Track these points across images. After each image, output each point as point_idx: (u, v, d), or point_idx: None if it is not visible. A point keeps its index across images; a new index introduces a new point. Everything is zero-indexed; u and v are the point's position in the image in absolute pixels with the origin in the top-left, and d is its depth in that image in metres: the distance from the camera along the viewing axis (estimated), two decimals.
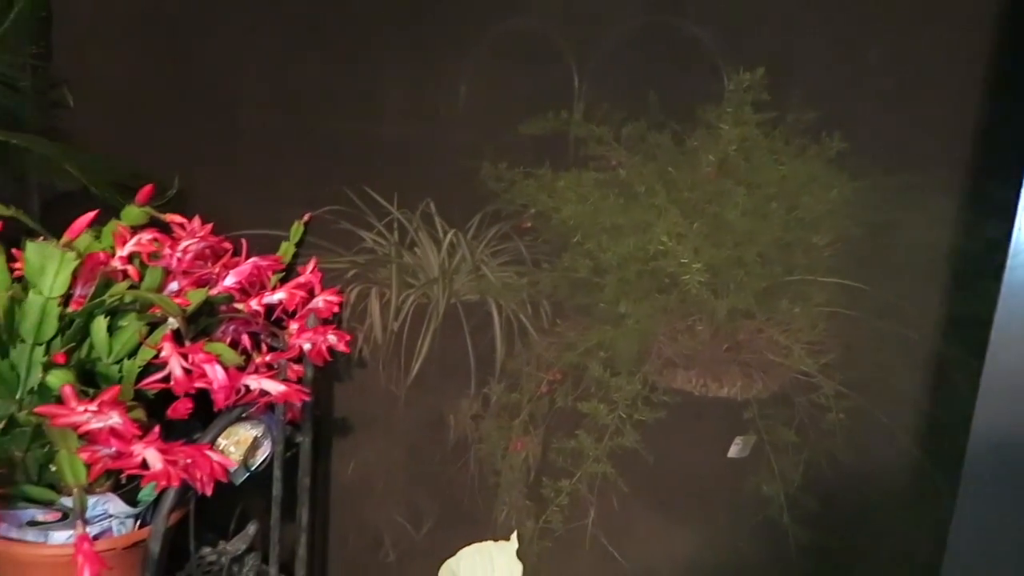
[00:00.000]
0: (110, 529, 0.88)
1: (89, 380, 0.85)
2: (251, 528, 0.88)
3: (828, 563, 0.90)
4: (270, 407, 0.92)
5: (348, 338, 0.90)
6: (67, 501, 0.84)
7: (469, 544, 0.93)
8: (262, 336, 0.96)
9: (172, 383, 0.78)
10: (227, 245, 0.97)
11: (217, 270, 0.92)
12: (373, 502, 1.11)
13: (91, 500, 0.86)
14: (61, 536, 0.85)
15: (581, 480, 0.97)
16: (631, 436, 0.95)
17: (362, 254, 1.06)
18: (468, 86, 0.99)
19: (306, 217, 1.01)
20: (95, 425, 0.74)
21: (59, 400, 0.78)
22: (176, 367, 0.79)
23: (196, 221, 0.94)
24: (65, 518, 0.84)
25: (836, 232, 0.87)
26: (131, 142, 1.29)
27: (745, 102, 0.88)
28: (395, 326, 1.06)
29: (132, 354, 0.85)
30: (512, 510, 1.04)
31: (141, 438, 0.77)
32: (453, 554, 0.94)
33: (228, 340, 0.92)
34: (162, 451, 0.77)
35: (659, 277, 0.94)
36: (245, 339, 0.94)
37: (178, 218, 0.89)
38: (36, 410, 0.74)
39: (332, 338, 0.88)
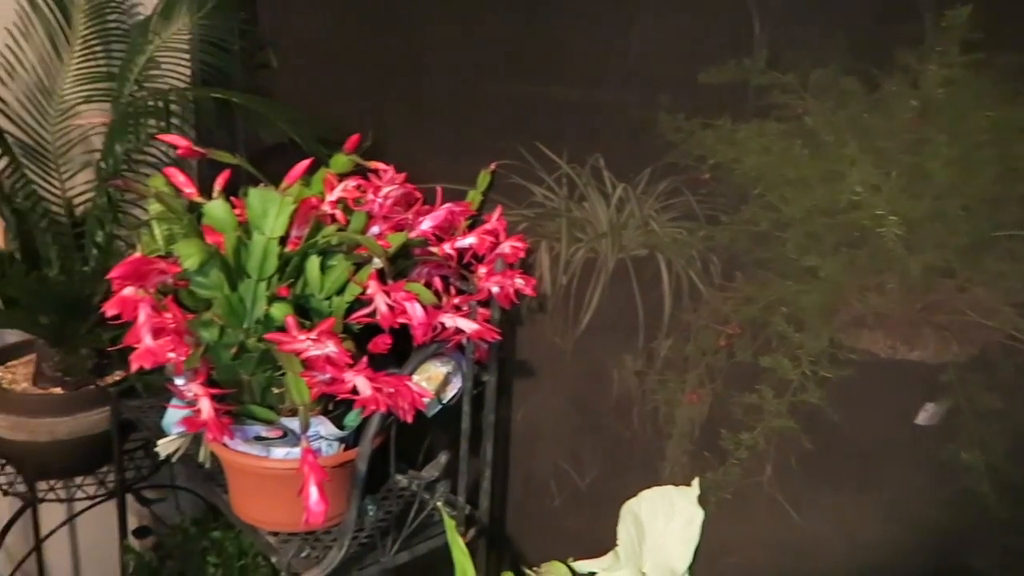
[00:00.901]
0: (320, 449, 0.98)
1: (303, 314, 0.94)
2: (442, 457, 0.95)
3: None
4: (460, 346, 0.98)
5: (534, 282, 0.94)
6: (287, 421, 0.94)
7: (634, 495, 0.95)
8: (451, 279, 1.02)
9: (378, 318, 0.85)
10: (418, 194, 1.04)
11: (411, 216, 0.98)
12: (541, 448, 1.16)
13: None
14: (280, 452, 0.96)
15: (761, 434, 0.96)
16: (815, 393, 0.93)
17: (532, 208, 1.09)
18: (643, 35, 0.98)
19: (492, 166, 1.05)
20: (313, 352, 0.83)
21: (282, 329, 0.87)
22: (381, 303, 0.86)
23: (392, 170, 1.00)
24: (285, 436, 0.94)
25: None
26: (326, 99, 1.39)
27: (951, 42, 0.82)
28: (564, 280, 1.08)
29: (340, 291, 0.93)
30: (677, 465, 1.04)
31: (351, 367, 0.84)
32: (617, 504, 0.97)
33: (422, 282, 0.98)
34: (370, 379, 0.84)
35: (848, 231, 0.91)
36: (437, 281, 1.00)
37: (381, 165, 0.96)
38: (266, 336, 0.83)
39: (520, 281, 0.92)
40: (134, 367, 0.78)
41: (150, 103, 1.11)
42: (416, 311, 0.86)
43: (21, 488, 1.44)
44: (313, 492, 0.76)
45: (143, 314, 0.79)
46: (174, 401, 0.97)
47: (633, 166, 0.99)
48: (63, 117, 1.40)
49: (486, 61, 1.11)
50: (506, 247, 0.97)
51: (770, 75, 0.93)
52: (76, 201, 1.45)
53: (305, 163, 0.91)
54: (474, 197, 1.05)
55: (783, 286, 0.97)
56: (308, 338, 0.81)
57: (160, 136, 0.90)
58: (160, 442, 0.98)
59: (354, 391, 0.84)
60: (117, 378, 1.46)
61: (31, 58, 1.38)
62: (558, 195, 1.05)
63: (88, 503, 1.48)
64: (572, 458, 1.13)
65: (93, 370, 1.45)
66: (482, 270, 0.96)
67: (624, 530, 0.83)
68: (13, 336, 1.54)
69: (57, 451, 1.39)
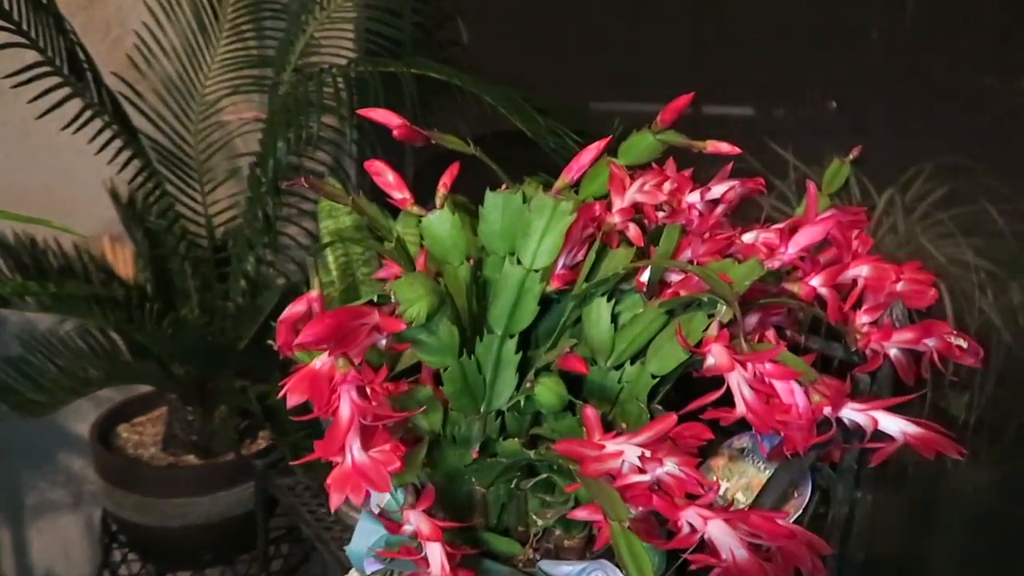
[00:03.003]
0: None
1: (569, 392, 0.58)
2: None
3: None
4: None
5: (975, 344, 0.54)
6: (548, 567, 0.58)
7: None
8: (788, 331, 0.65)
9: (745, 413, 0.48)
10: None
11: (737, 234, 0.61)
12: None
13: (581, 565, 0.59)
14: None
15: None
16: None
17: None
18: None
19: (854, 152, 0.66)
20: (636, 479, 0.46)
21: (565, 429, 0.52)
22: (741, 386, 0.49)
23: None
24: None
25: None
26: (528, 86, 1.06)
27: None
28: None
29: (636, 357, 0.57)
30: None
31: (693, 499, 0.48)
32: None
33: (756, 338, 0.61)
34: (730, 523, 0.47)
35: None
36: (769, 335, 0.62)
37: (725, 146, 0.59)
38: (556, 447, 0.47)
39: (959, 342, 0.53)
40: (334, 503, 0.44)
41: (326, 80, 0.79)
42: (800, 400, 0.49)
43: None
44: None
45: (347, 406, 0.45)
46: (364, 519, 0.63)
47: (896, 163, 0.76)
48: (206, 114, 1.12)
49: (711, 44, 0.92)
50: (901, 284, 0.58)
51: None
52: (217, 220, 1.16)
53: (600, 144, 0.56)
54: (821, 201, 0.66)
55: None
56: (637, 448, 0.44)
57: (363, 111, 0.57)
58: None
59: (700, 546, 0.46)
60: (262, 445, 1.16)
61: (173, 41, 1.11)
62: (792, 206, 0.85)
63: None
64: None
65: (234, 433, 1.15)
66: (863, 319, 0.58)
67: None
68: (142, 385, 1.26)
69: (190, 538, 1.09)
